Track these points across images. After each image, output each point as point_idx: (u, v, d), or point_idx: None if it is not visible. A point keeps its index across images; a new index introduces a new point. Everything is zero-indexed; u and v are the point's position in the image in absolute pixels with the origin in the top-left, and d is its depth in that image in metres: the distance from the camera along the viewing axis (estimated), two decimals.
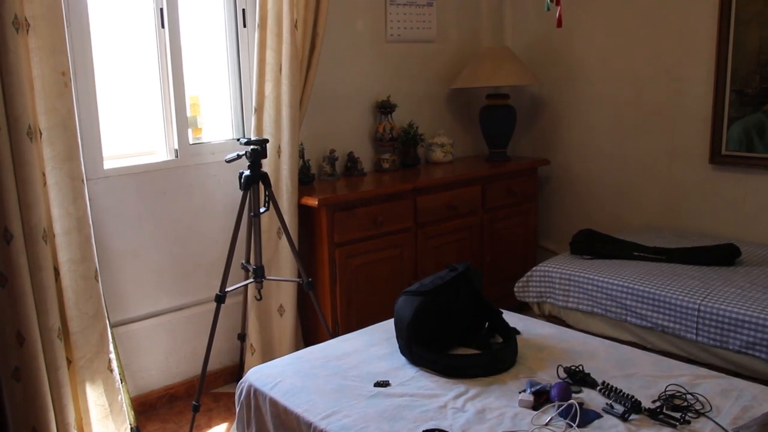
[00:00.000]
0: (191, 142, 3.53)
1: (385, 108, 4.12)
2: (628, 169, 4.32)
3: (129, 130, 3.42)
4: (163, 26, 3.35)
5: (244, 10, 3.63)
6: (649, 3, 4.08)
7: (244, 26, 3.64)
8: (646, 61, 4.14)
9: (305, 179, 3.71)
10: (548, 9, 2.32)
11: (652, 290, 3.10)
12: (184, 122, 3.46)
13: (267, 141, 3.06)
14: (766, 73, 3.67)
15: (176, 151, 3.45)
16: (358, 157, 4.03)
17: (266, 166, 3.36)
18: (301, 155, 3.71)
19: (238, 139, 3.31)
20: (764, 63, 3.67)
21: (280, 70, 3.43)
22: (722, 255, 3.38)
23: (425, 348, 2.34)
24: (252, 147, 2.99)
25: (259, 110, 3.48)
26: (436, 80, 4.49)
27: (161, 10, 3.34)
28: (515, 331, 2.52)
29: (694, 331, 2.95)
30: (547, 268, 3.50)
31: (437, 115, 4.53)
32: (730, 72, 3.79)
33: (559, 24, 2.42)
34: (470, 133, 4.75)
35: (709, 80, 3.87)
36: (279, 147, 3.48)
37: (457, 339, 2.50)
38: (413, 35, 4.30)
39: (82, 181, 2.79)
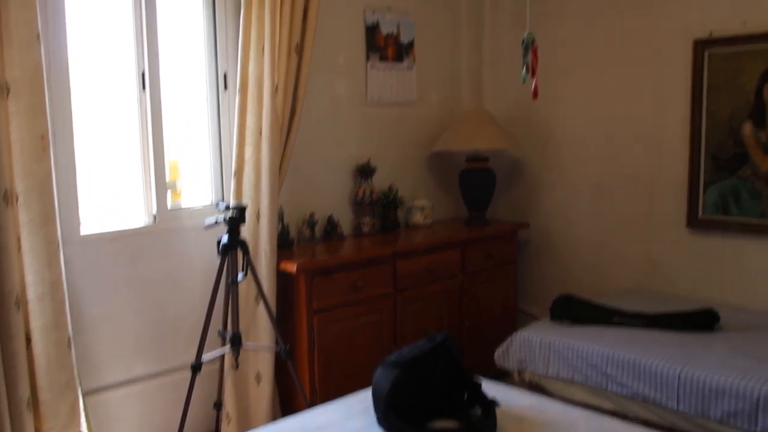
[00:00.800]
0: (170, 207, 3.51)
1: (365, 171, 4.13)
2: (607, 232, 4.35)
3: (107, 193, 3.39)
4: (144, 89, 3.37)
5: (225, 73, 3.65)
6: (625, 70, 4.17)
7: (225, 89, 3.66)
8: (622, 126, 4.21)
9: (284, 243, 3.69)
10: (524, 81, 2.35)
11: (632, 358, 3.08)
12: (163, 186, 3.45)
13: (245, 207, 3.05)
14: (739, 139, 3.74)
15: (155, 215, 3.43)
16: (338, 220, 4.03)
17: (245, 230, 3.35)
18: (281, 219, 3.70)
19: (217, 205, 3.30)
20: (736, 129, 3.74)
21: (261, 134, 3.44)
22: (702, 321, 3.38)
23: (403, 420, 2.30)
24: (230, 214, 2.98)
25: (239, 174, 3.48)
26: (416, 143, 4.53)
27: (143, 73, 3.35)
28: (494, 403, 2.48)
29: (675, 399, 2.92)
30: (526, 335, 3.47)
31: (417, 177, 4.56)
32: (704, 138, 3.86)
33: (535, 96, 2.45)
34: (450, 196, 4.78)
35: (685, 146, 3.94)
36: (258, 211, 3.47)
37: (435, 410, 2.46)
38: (394, 98, 4.35)
39: (58, 245, 2.75)
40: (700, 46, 3.82)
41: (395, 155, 4.40)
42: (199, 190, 3.70)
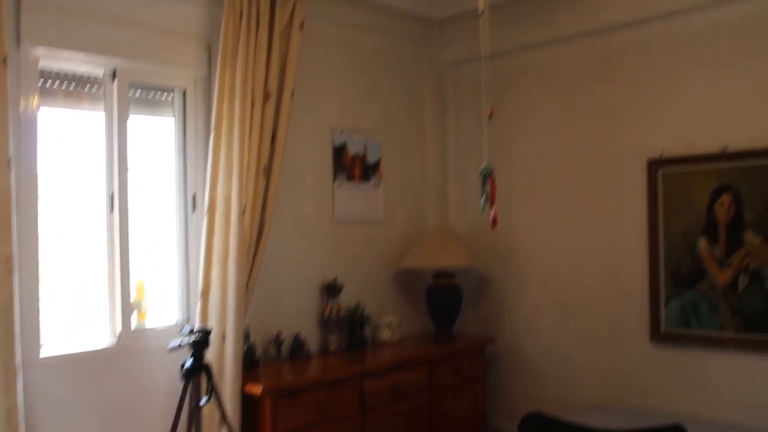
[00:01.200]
0: (134, 327, 3.48)
1: (332, 289, 4.15)
2: (573, 346, 4.37)
3: (71, 313, 3.36)
4: (112, 211, 3.40)
5: (194, 194, 3.71)
6: (585, 188, 4.32)
7: (194, 210, 3.71)
8: (583, 241, 4.32)
9: (250, 363, 3.64)
10: (483, 210, 2.43)
11: None
12: (128, 306, 3.43)
13: (210, 331, 3.03)
14: (695, 254, 3.85)
15: (118, 336, 3.39)
16: (305, 338, 4.01)
17: (210, 351, 3.31)
18: (246, 338, 3.67)
19: (182, 328, 3.27)
20: (692, 244, 3.85)
21: (227, 255, 3.47)
22: None
23: None
24: (194, 337, 2.96)
25: (205, 295, 3.48)
26: (383, 260, 4.58)
27: (112, 195, 3.40)
28: None
29: None
30: None
31: (384, 294, 4.59)
32: (662, 253, 3.97)
33: (494, 225, 2.53)
34: (417, 311, 4.79)
35: (644, 261, 4.04)
36: (223, 332, 3.45)
37: None
38: (361, 216, 4.44)
39: (15, 372, 2.70)
40: (654, 165, 3.99)
41: (362, 273, 4.44)
42: (165, 310, 3.68)
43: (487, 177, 2.42)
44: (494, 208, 2.46)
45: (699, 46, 3.84)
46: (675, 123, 3.94)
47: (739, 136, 3.69)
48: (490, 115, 2.60)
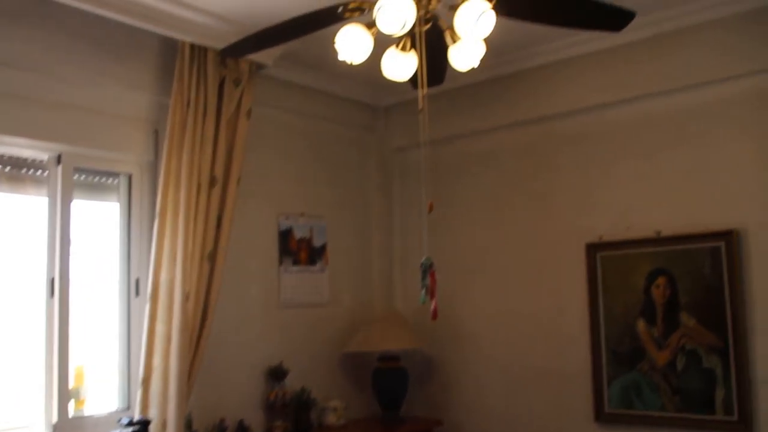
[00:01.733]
0: (72, 415, 3.37)
1: (277, 373, 4.10)
2: (519, 427, 4.36)
3: (4, 401, 3.25)
4: (52, 295, 3.34)
5: (138, 279, 3.67)
6: (527, 271, 4.41)
7: (137, 295, 3.67)
8: (527, 323, 4.38)
9: None
10: (423, 302, 2.47)
11: None
12: (65, 394, 3.33)
13: (149, 422, 2.96)
14: (635, 335, 3.94)
15: (54, 424, 3.28)
16: (249, 424, 3.92)
17: None
18: (189, 426, 3.58)
19: (119, 420, 3.18)
20: (631, 325, 3.95)
21: (170, 342, 3.41)
22: None
23: None
24: (133, 429, 2.88)
25: (146, 382, 3.40)
26: (329, 344, 4.56)
27: (52, 279, 3.34)
28: None
29: None
30: None
31: (330, 378, 4.54)
32: (603, 334, 4.05)
33: (434, 317, 2.56)
34: (364, 395, 4.75)
35: (586, 342, 4.11)
36: (164, 421, 3.36)
37: None
38: (306, 300, 4.43)
39: None
40: (592, 249, 4.11)
41: (308, 356, 4.40)
42: (105, 397, 3.58)
43: (428, 270, 2.47)
44: (434, 301, 2.49)
45: (630, 136, 4.04)
46: (611, 208, 4.09)
47: (671, 221, 3.86)
48: (430, 209, 2.68)
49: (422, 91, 2.47)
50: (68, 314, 3.38)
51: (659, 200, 3.92)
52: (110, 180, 3.71)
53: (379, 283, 4.98)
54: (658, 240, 3.89)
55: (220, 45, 3.59)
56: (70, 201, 3.45)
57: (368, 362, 4.69)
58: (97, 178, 3.66)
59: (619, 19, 2.52)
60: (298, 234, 4.41)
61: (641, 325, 3.92)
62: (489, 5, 2.17)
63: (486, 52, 2.45)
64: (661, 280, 3.88)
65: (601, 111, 4.13)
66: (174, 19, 3.47)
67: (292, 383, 4.19)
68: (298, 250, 4.40)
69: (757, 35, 3.57)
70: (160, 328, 3.43)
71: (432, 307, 2.52)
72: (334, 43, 2.41)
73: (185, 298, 3.44)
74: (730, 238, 3.65)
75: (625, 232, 4.01)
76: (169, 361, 3.40)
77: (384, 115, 5.09)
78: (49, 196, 3.41)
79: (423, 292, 2.47)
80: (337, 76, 4.45)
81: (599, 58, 4.07)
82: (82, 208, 3.56)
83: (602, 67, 4.07)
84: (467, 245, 4.68)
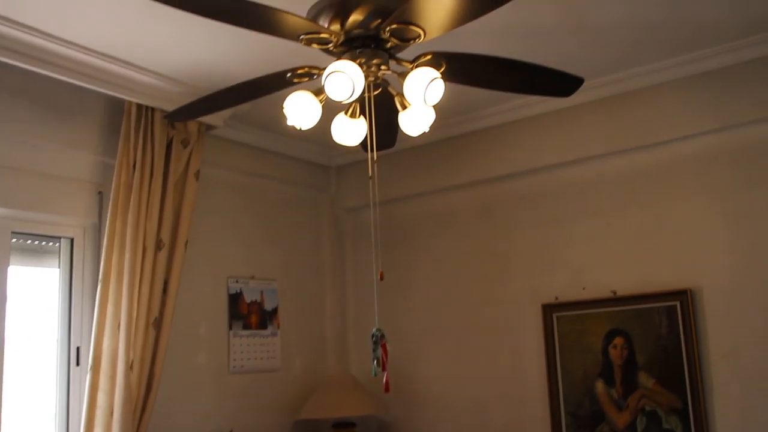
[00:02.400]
0: None
1: None
2: None
3: None
4: None
5: (78, 347, 3.51)
6: (484, 332, 4.34)
7: (77, 365, 3.50)
8: (484, 385, 4.29)
9: None
10: (375, 375, 2.39)
11: None
12: None
13: None
14: (594, 397, 3.88)
15: None
16: None
17: None
18: None
19: None
20: (590, 387, 3.89)
21: (112, 414, 3.24)
22: None
23: None
24: None
25: None
26: (281, 410, 4.39)
27: None
28: None
29: None
30: None
31: None
32: (562, 396, 3.98)
33: (387, 389, 2.48)
34: None
35: (545, 404, 4.03)
36: None
37: None
38: (257, 365, 4.29)
39: None
40: (548, 309, 4.08)
41: (259, 424, 4.23)
42: None
43: (379, 341, 2.40)
44: (386, 373, 2.42)
45: (584, 196, 4.05)
46: (566, 268, 4.07)
47: (627, 281, 3.85)
48: (381, 277, 2.61)
49: (372, 159, 2.42)
50: (1, 386, 3.19)
51: (614, 260, 3.91)
52: (50, 244, 3.57)
53: (332, 347, 4.85)
54: (614, 300, 3.87)
55: (168, 106, 3.53)
56: (7, 266, 3.29)
57: (322, 429, 4.53)
58: (36, 242, 3.52)
59: (568, 85, 2.53)
60: (249, 297, 4.29)
61: (600, 386, 3.87)
62: (438, 73, 2.15)
63: (437, 114, 2.42)
64: (618, 341, 3.85)
65: (554, 171, 4.15)
66: (121, 79, 3.40)
67: None
68: (248, 313, 4.27)
69: (702, 98, 3.66)
70: (101, 399, 3.26)
71: (384, 379, 2.44)
72: (283, 106, 2.36)
73: (129, 367, 3.29)
74: (684, 297, 3.65)
75: (581, 293, 3.98)
76: None
77: (336, 175, 5.05)
78: None
79: (374, 364, 2.40)
80: (287, 137, 4.40)
81: (550, 120, 4.10)
82: (19, 273, 3.40)
83: (553, 128, 4.10)
84: (422, 306, 4.60)
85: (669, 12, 3.12)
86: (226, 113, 3.78)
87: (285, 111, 2.34)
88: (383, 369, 2.39)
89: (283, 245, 4.63)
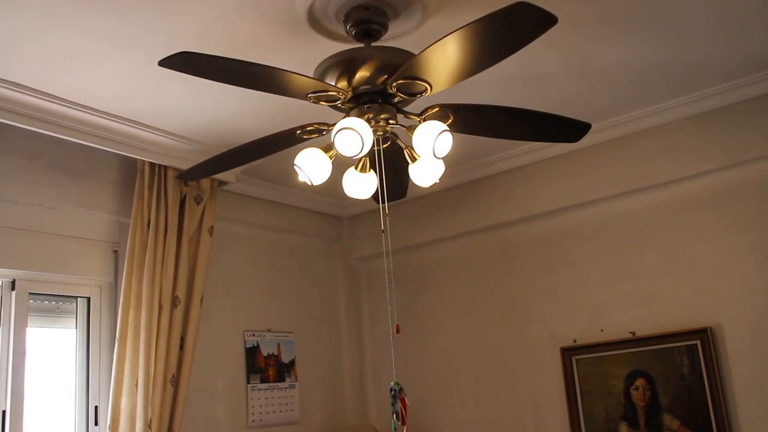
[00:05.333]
0: None
1: None
2: None
3: None
4: (3, 429, 3.14)
5: (96, 407, 3.50)
6: (504, 377, 4.29)
7: (96, 424, 3.48)
8: (505, 431, 4.23)
9: None
10: (395, 429, 2.37)
11: None
12: None
13: None
14: None
15: None
16: None
17: None
18: None
19: None
20: (613, 429, 3.82)
21: None
22: None
23: None
24: None
25: None
26: None
27: (3, 412, 3.16)
28: None
29: None
30: None
31: None
32: None
33: None
34: None
35: None
36: None
37: None
38: (276, 418, 4.25)
39: None
40: (567, 352, 4.03)
41: None
42: None
43: (397, 395, 2.38)
44: (406, 427, 2.39)
45: (598, 238, 4.04)
46: (583, 311, 4.04)
47: (645, 321, 3.81)
48: (398, 330, 2.60)
49: (384, 211, 2.43)
50: None
51: (631, 300, 3.88)
52: (67, 304, 3.58)
53: (351, 396, 4.81)
54: (633, 341, 3.83)
55: (181, 163, 3.57)
56: (25, 327, 3.30)
57: None
58: (53, 302, 3.53)
59: (576, 131, 2.54)
60: (266, 350, 4.28)
61: (624, 429, 3.81)
62: (446, 126, 2.17)
63: (448, 162, 2.44)
64: (640, 382, 3.80)
65: (566, 213, 4.14)
66: (133, 139, 3.46)
67: None
68: (266, 367, 4.25)
69: (710, 136, 3.66)
70: None
71: None
72: (294, 162, 2.39)
73: (147, 425, 3.27)
74: (705, 335, 3.60)
75: (600, 334, 3.94)
76: None
77: (349, 225, 5.07)
78: (1, 323, 3.26)
79: (394, 418, 2.38)
80: (299, 189, 4.44)
81: (560, 163, 4.12)
82: (37, 334, 3.41)
83: (563, 171, 4.11)
84: (440, 353, 4.57)
85: (670, 53, 3.14)
86: (238, 169, 3.82)
87: (296, 167, 2.36)
88: (403, 423, 2.37)
89: (298, 297, 4.63)
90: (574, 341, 4.02)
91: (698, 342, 3.63)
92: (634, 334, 3.83)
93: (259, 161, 2.87)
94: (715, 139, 3.64)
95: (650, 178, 3.83)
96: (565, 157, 4.08)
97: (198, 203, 3.74)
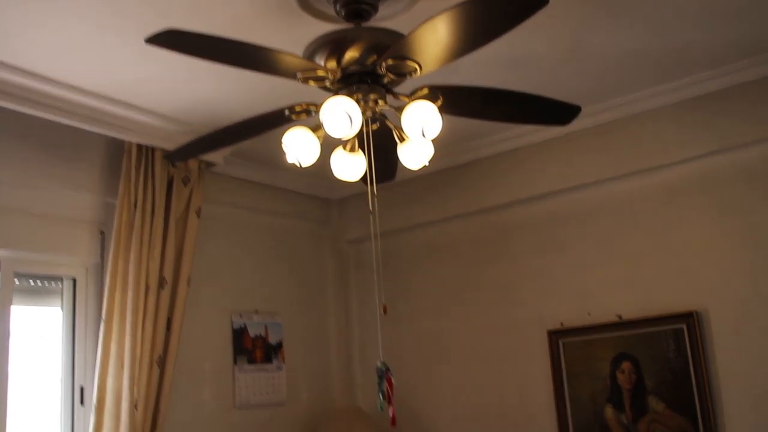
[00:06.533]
0: None
1: None
2: None
3: None
4: None
5: (82, 387, 3.49)
6: (490, 360, 4.31)
7: (81, 404, 3.48)
8: (491, 413, 4.25)
9: None
10: (381, 409, 2.38)
11: None
12: None
13: None
14: (603, 423, 3.84)
15: None
16: None
17: None
18: None
19: None
20: (599, 413, 3.85)
21: None
22: None
23: None
24: None
25: None
26: None
27: None
28: None
29: None
30: None
31: None
32: (571, 422, 3.94)
33: (393, 423, 2.47)
34: None
35: (554, 431, 3.99)
36: None
37: None
38: (263, 400, 4.26)
39: None
40: (554, 335, 4.05)
41: None
42: None
43: (384, 375, 2.39)
44: (392, 407, 2.40)
45: (586, 222, 4.05)
46: (571, 294, 4.05)
47: (632, 305, 3.82)
48: (385, 311, 2.61)
49: (372, 193, 2.42)
50: (5, 427, 3.17)
51: (618, 284, 3.89)
52: (53, 284, 3.56)
53: (338, 379, 4.82)
54: (619, 324, 3.84)
55: (168, 144, 3.55)
56: (10, 306, 3.28)
57: None
58: (39, 282, 3.51)
59: (566, 114, 2.54)
60: (253, 332, 4.28)
61: (609, 411, 3.83)
62: (435, 107, 2.16)
63: (437, 145, 2.43)
64: (626, 365, 3.82)
65: (555, 197, 4.14)
66: (120, 120, 3.42)
67: None
68: (253, 348, 4.25)
69: (700, 121, 3.66)
70: None
71: (390, 413, 2.43)
72: (282, 143, 2.37)
73: (133, 406, 3.27)
74: (691, 319, 3.62)
75: (587, 318, 3.96)
76: None
77: (337, 208, 5.06)
78: None
79: (380, 398, 2.39)
80: (288, 171, 4.41)
81: (549, 146, 4.11)
82: (22, 313, 3.40)
83: (552, 155, 4.10)
84: (427, 336, 4.58)
85: (659, 38, 3.13)
86: (226, 150, 3.80)
87: (284, 148, 2.35)
88: (389, 403, 2.38)
89: (286, 279, 4.63)
90: (561, 324, 4.04)
91: (684, 326, 3.65)
92: (620, 317, 3.84)
93: (247, 142, 2.85)
94: (703, 124, 3.65)
95: (638, 163, 3.83)
96: (553, 141, 4.07)
97: (185, 184, 3.71)
